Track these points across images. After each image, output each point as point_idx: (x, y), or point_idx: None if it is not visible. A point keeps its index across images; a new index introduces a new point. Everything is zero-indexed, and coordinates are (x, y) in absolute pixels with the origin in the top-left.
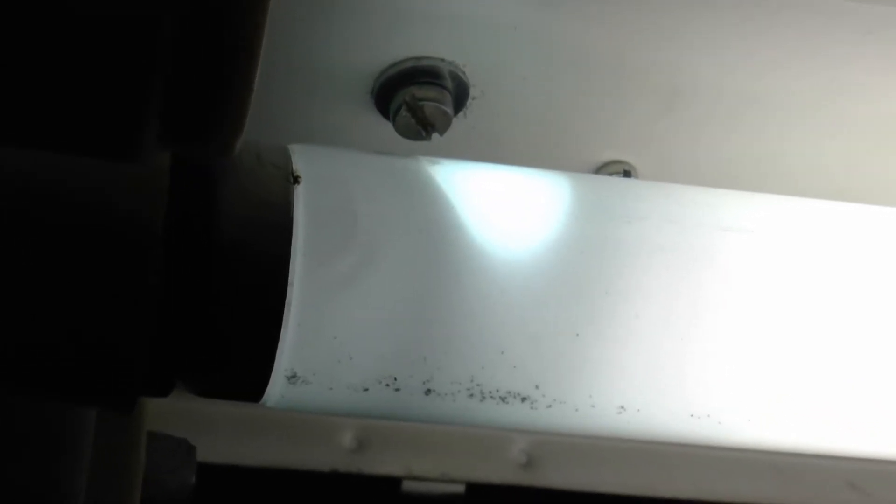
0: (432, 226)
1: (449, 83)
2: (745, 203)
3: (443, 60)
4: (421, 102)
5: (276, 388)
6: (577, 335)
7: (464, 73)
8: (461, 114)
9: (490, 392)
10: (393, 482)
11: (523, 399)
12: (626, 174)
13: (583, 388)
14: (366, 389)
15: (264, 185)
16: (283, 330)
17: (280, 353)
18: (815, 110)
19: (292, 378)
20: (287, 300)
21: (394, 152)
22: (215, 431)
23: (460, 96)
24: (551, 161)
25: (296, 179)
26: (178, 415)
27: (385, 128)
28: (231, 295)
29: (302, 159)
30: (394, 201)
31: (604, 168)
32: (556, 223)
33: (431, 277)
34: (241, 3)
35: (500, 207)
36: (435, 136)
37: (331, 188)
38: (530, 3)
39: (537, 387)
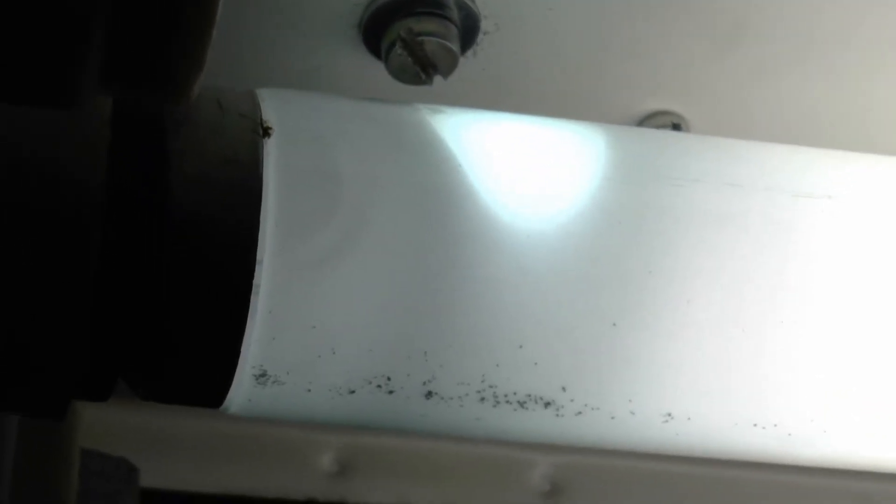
0: (434, 190)
1: (455, 14)
2: (824, 163)
3: None
4: (420, 38)
5: (242, 390)
6: (614, 325)
7: (473, 1)
8: (470, 52)
9: (506, 395)
10: None
11: (547, 404)
12: (675, 128)
13: (620, 390)
14: (352, 392)
15: (227, 139)
16: (249, 318)
17: (246, 347)
18: None
19: (261, 377)
20: (255, 281)
21: (387, 99)
22: (164, 450)
23: (469, 30)
24: (583, 112)
25: (266, 131)
26: (119, 428)
27: (377, 69)
28: (186, 274)
29: (273, 107)
30: (387, 159)
31: (648, 120)
32: (588, 187)
33: (434, 253)
34: None
35: (519, 168)
36: (438, 79)
37: (309, 142)
38: None
39: (564, 389)
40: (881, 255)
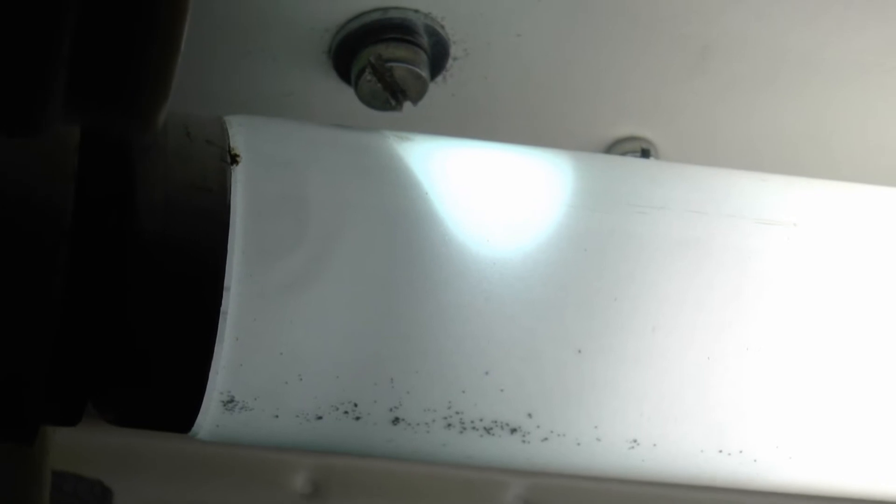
0: (402, 217)
1: (424, 40)
2: (788, 190)
3: (416, 12)
4: (389, 64)
5: (210, 416)
6: (580, 351)
7: (442, 27)
8: (440, 77)
9: (472, 421)
10: None
11: (513, 430)
12: (645, 153)
13: (586, 416)
14: (319, 418)
15: (195, 166)
16: (217, 344)
17: (214, 373)
18: (875, 75)
19: (229, 403)
20: (222, 308)
21: (355, 125)
22: (137, 471)
23: (439, 56)
24: (552, 137)
25: (234, 159)
26: (91, 449)
27: (346, 94)
28: (153, 301)
29: (241, 133)
30: (354, 185)
31: (617, 146)
32: (555, 214)
33: (400, 280)
34: None
35: (486, 195)
36: (407, 105)
37: (277, 168)
38: None
39: (530, 415)
40: (843, 282)
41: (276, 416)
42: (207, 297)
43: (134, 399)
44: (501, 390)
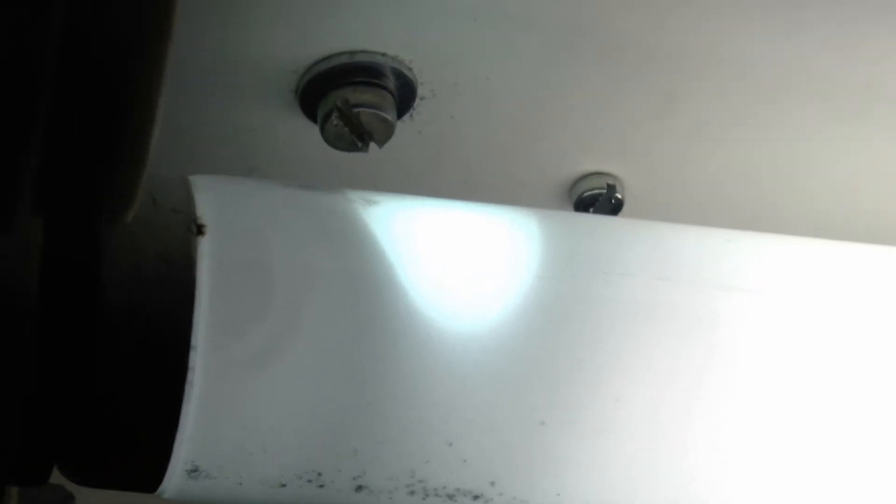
0: (367, 287)
1: (391, 82)
2: (754, 252)
3: (384, 55)
4: (356, 109)
5: (174, 482)
6: (543, 423)
7: (410, 69)
8: (406, 116)
9: (435, 489)
10: None
11: (476, 497)
12: (611, 189)
13: (549, 485)
14: (283, 485)
15: (161, 236)
16: (182, 416)
17: (179, 444)
18: (844, 114)
19: (193, 472)
20: (188, 380)
21: (321, 164)
22: None
23: (405, 97)
24: (518, 172)
25: (199, 229)
26: None
27: (312, 132)
28: (119, 373)
29: (207, 200)
30: (319, 255)
31: (583, 181)
32: (521, 284)
33: (365, 351)
34: (137, 36)
35: (452, 263)
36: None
37: (242, 240)
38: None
39: (493, 483)
40: (806, 350)
41: (240, 484)
42: (173, 369)
43: (100, 466)
44: (465, 460)
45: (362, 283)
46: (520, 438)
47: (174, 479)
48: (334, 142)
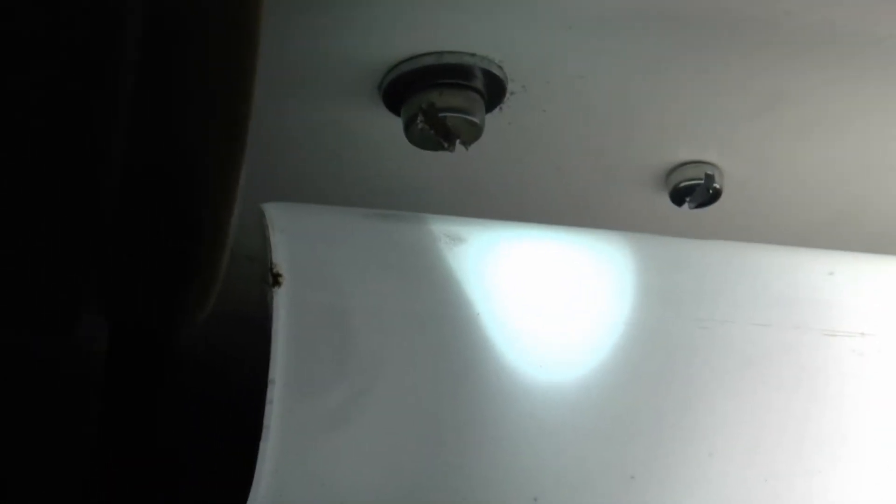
0: (449, 341)
1: (480, 82)
2: (854, 286)
3: (472, 55)
4: (442, 115)
5: None
6: (632, 478)
7: (500, 68)
8: (496, 110)
9: None
10: None
11: None
12: (709, 178)
13: None
14: None
15: (236, 289)
16: (256, 478)
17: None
18: None
19: None
20: (262, 442)
21: (407, 158)
22: None
23: (495, 94)
24: (612, 160)
25: (275, 279)
26: None
27: (395, 124)
28: (196, 433)
29: (284, 243)
30: (400, 311)
31: (679, 169)
32: (612, 333)
33: (446, 408)
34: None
35: (539, 310)
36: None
37: (320, 291)
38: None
39: None
40: None
41: None
42: (247, 432)
43: None
44: None
45: (445, 333)
46: (609, 494)
47: None
48: (420, 143)
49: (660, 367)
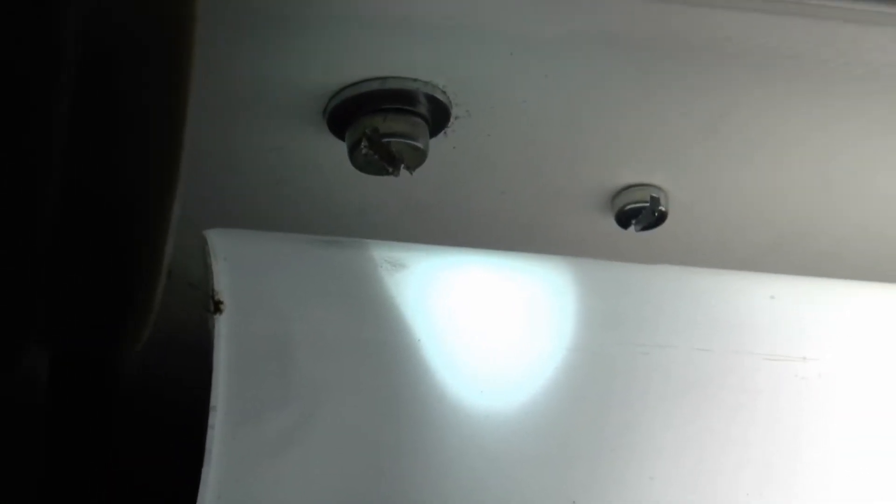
0: (391, 372)
1: (424, 107)
2: (796, 311)
3: (415, 80)
4: (386, 140)
5: None
6: (574, 502)
7: (444, 93)
8: (440, 134)
9: None
10: None
11: None
12: (654, 201)
13: None
14: None
15: (175, 315)
16: (200, 502)
17: None
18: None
19: None
20: (204, 469)
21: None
22: None
23: (439, 119)
24: (557, 183)
25: (217, 307)
26: None
27: (339, 149)
28: (134, 460)
29: (226, 271)
30: (342, 337)
31: (625, 192)
32: (551, 355)
33: (388, 434)
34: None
35: (479, 336)
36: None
37: (262, 318)
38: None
39: None
40: (860, 421)
41: None
42: (192, 457)
43: None
44: None
45: (386, 360)
46: None
47: None
48: (364, 167)
49: (601, 392)
